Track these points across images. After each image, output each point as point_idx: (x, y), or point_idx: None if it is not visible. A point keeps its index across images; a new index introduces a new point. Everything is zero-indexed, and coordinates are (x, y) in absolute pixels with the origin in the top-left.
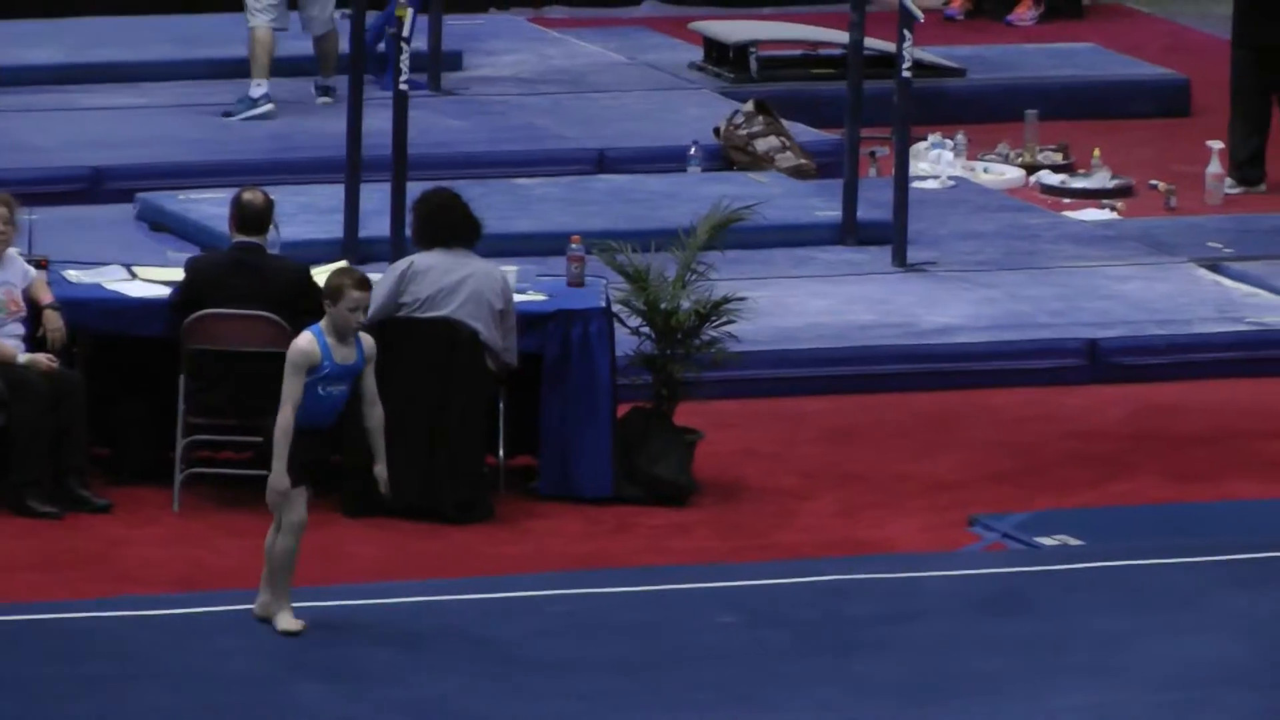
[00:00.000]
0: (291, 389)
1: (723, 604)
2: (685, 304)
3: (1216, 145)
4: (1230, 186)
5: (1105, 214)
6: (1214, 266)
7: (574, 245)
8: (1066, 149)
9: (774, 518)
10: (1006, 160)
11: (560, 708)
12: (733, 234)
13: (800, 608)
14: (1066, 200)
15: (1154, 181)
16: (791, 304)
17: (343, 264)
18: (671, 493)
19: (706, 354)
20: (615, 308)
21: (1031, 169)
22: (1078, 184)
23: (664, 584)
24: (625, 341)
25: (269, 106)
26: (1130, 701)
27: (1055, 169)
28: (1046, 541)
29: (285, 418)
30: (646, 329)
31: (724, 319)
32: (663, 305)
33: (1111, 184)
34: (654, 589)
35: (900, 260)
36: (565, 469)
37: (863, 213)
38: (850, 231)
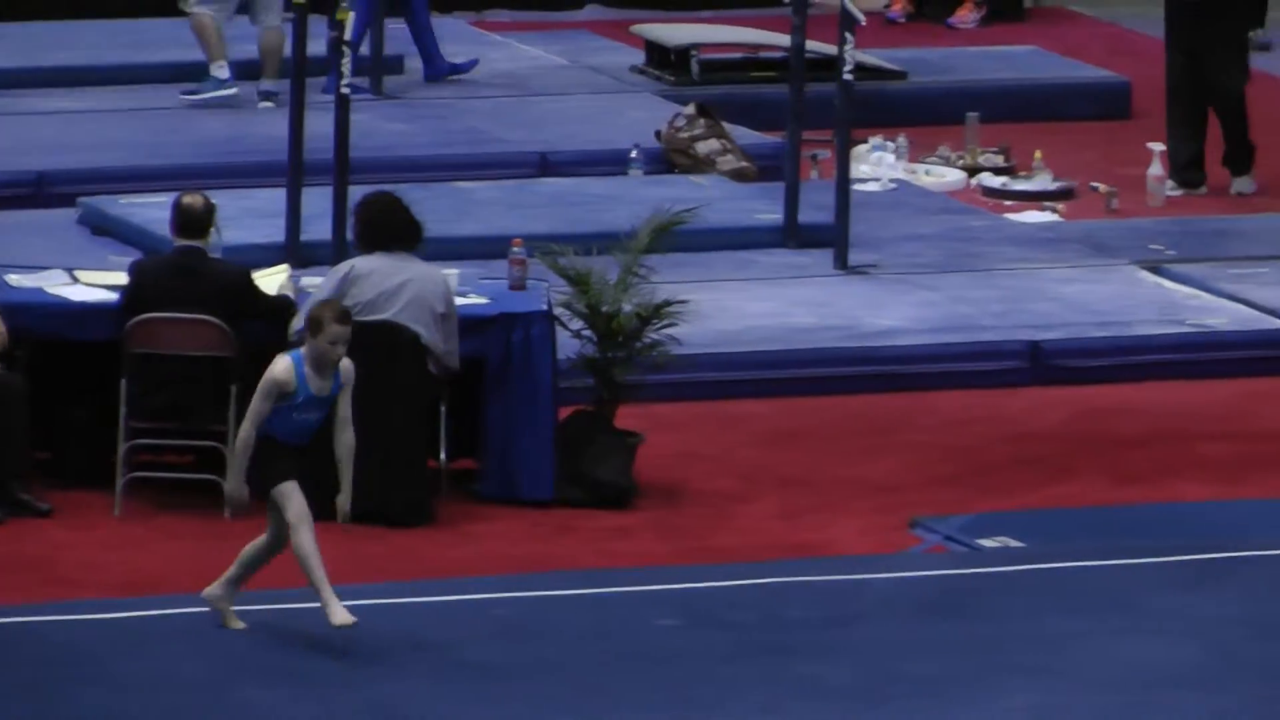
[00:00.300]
0: (257, 408)
1: (664, 606)
2: (627, 307)
3: (1158, 147)
4: (1171, 189)
5: (1047, 216)
6: (1155, 269)
7: (516, 249)
8: (1008, 151)
9: (714, 520)
10: (948, 163)
11: (503, 710)
12: (674, 237)
13: (741, 610)
14: (1008, 203)
15: (1095, 184)
16: (732, 307)
17: (283, 268)
18: (613, 495)
19: (648, 357)
20: (557, 311)
21: (973, 171)
22: (1019, 186)
23: (605, 587)
24: (567, 345)
25: (233, 90)
26: (1072, 703)
27: (996, 171)
28: (988, 544)
29: (245, 433)
30: (588, 332)
31: (665, 322)
32: (604, 308)
33: (1053, 186)
34: (595, 592)
35: (842, 263)
36: (507, 472)
37: (804, 216)
38: (792, 234)
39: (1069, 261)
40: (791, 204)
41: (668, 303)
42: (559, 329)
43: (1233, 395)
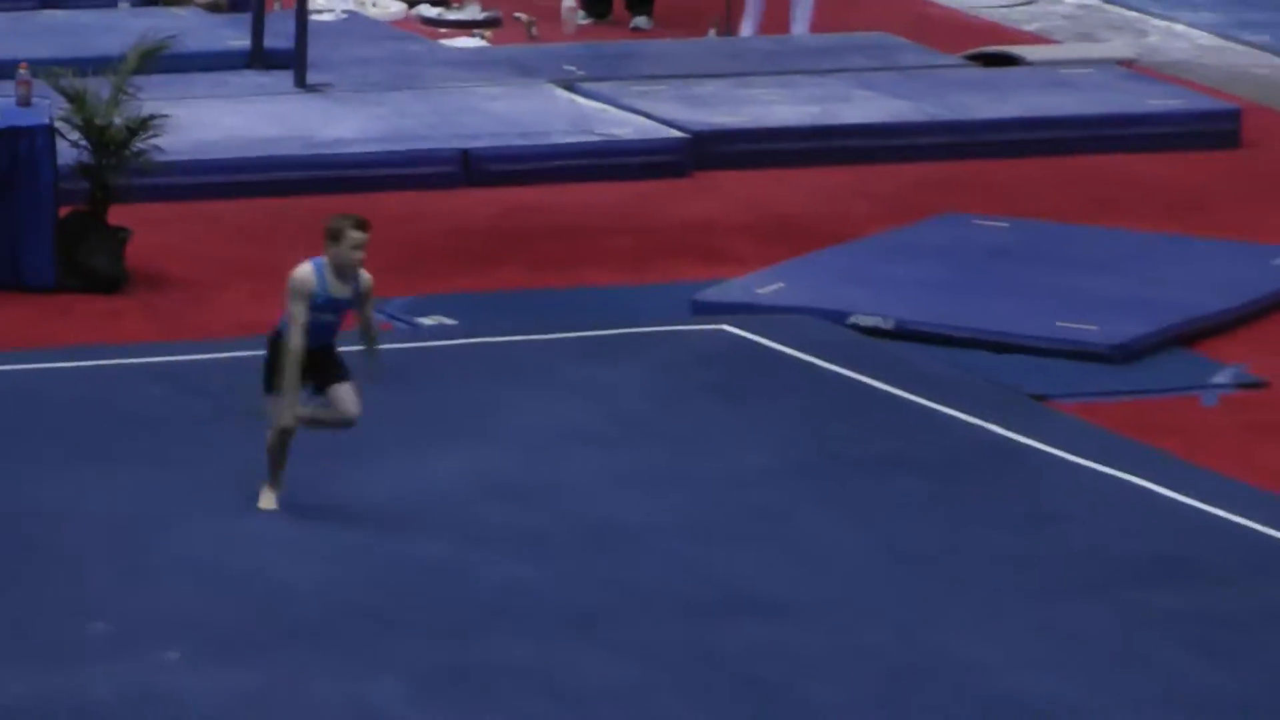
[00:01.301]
0: (298, 312)
1: (152, 377)
2: (117, 121)
3: None
4: (582, 18)
5: (476, 42)
6: (569, 86)
7: (21, 71)
8: None
9: (194, 304)
10: None
11: (6, 469)
12: (157, 61)
13: (217, 379)
14: (443, 30)
15: (518, 14)
16: (208, 120)
17: None
18: (105, 283)
19: (136, 163)
20: (58, 125)
21: (412, 4)
22: (452, 17)
23: (101, 360)
24: (66, 153)
25: None
26: (501, 457)
27: (433, 4)
28: (426, 321)
29: (296, 343)
30: (84, 143)
31: (150, 133)
32: (98, 122)
33: (481, 16)
34: (92, 364)
35: (301, 82)
36: (15, 264)
37: (268, 42)
38: (257, 58)
39: (495, 81)
40: (257, 32)
41: (152, 117)
42: (59, 140)
43: (635, 195)
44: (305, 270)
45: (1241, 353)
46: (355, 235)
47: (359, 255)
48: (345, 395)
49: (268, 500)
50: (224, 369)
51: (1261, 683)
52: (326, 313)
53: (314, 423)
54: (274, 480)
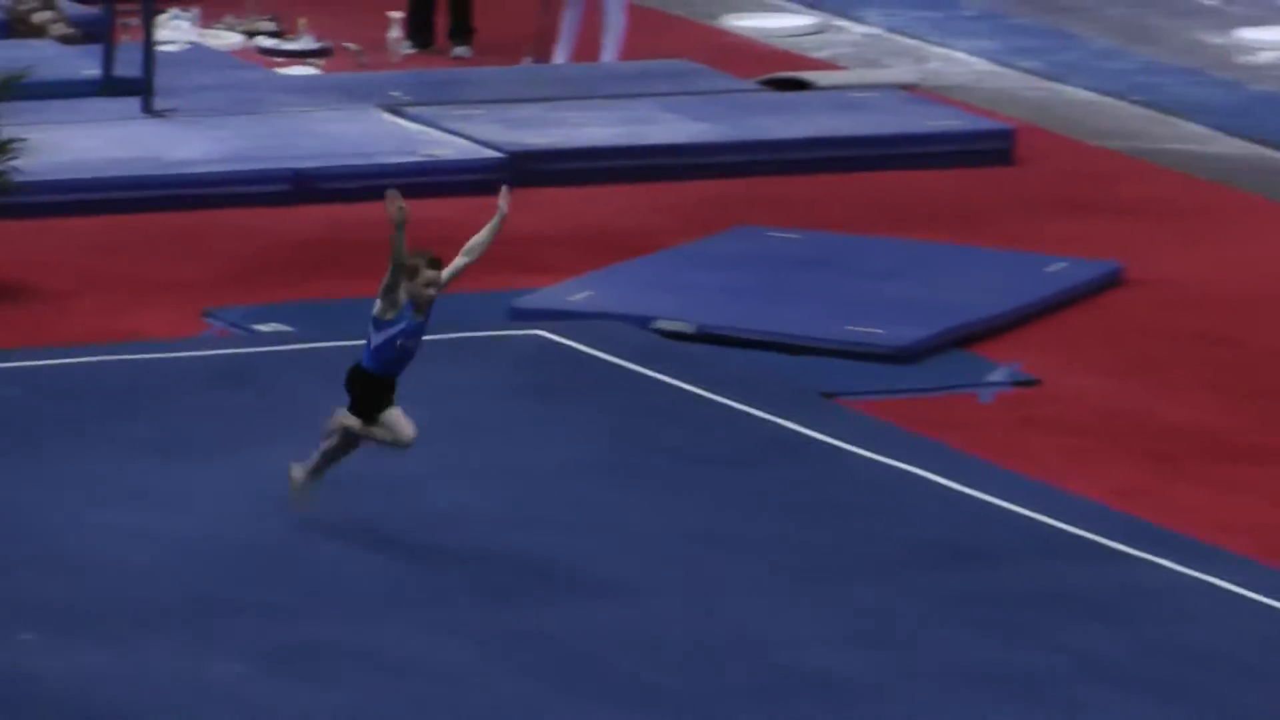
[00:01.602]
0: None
1: (9, 380)
2: None
3: (396, 14)
4: (407, 48)
5: (309, 71)
6: (395, 110)
7: None
8: (278, 19)
9: (52, 314)
10: (231, 29)
11: None
12: (15, 90)
13: (70, 383)
14: (278, 60)
15: (347, 44)
16: (63, 144)
17: None
18: None
19: None
20: None
21: (250, 35)
22: (287, 47)
23: None
24: None
25: None
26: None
27: (270, 35)
28: (263, 328)
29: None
30: None
31: (9, 156)
32: None
33: (314, 47)
34: None
35: (149, 108)
36: None
37: (118, 71)
38: (109, 86)
39: (326, 106)
40: (108, 62)
41: (10, 141)
42: None
43: (456, 211)
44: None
45: (1016, 353)
46: (429, 274)
47: (433, 292)
48: (400, 418)
49: (297, 475)
50: (77, 373)
51: (1032, 656)
52: (410, 339)
53: (368, 437)
54: (313, 473)
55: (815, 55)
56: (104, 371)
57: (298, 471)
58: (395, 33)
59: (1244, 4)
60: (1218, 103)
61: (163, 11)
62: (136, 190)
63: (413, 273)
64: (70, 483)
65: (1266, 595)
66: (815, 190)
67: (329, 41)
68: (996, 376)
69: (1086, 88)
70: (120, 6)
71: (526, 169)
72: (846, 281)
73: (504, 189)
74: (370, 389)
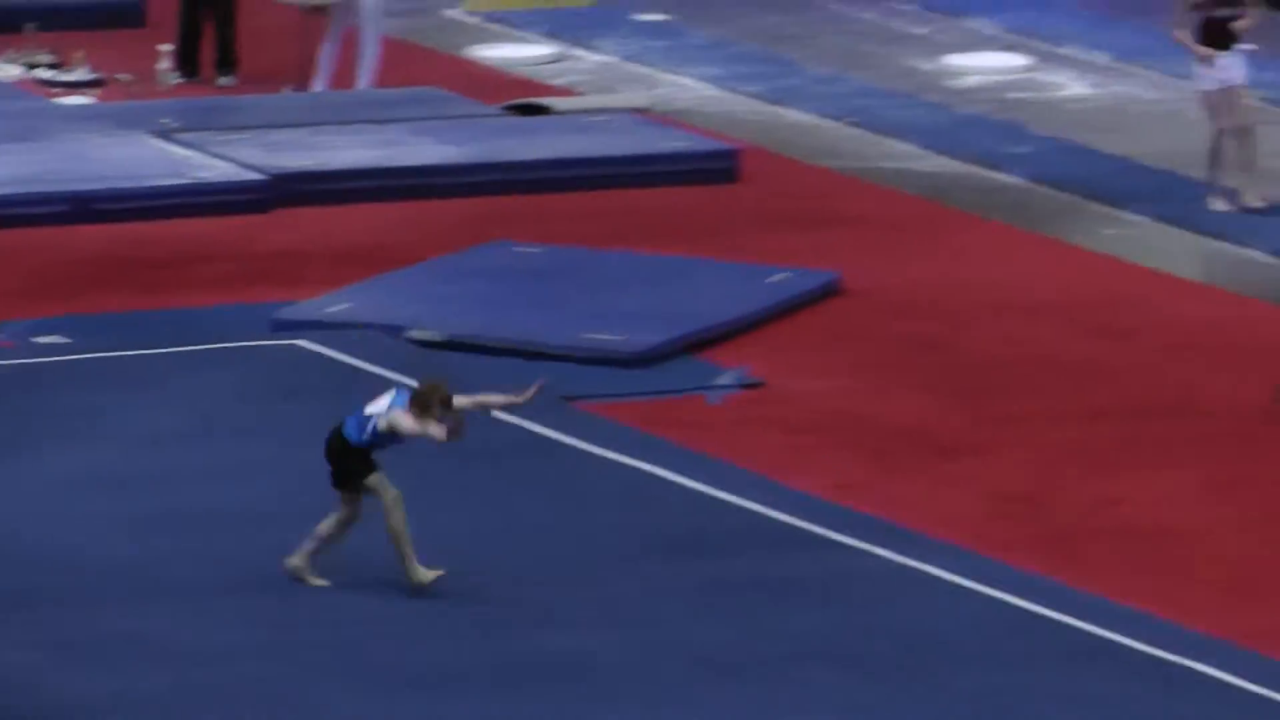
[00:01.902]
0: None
1: None
2: None
3: (166, 47)
4: (175, 78)
5: (86, 100)
6: (165, 136)
7: None
8: (57, 53)
9: None
10: (13, 62)
11: None
12: None
13: None
14: (56, 90)
15: (120, 75)
16: None
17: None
18: None
19: None
20: None
21: (31, 67)
22: (64, 78)
23: None
24: None
25: None
26: (108, 454)
27: (48, 67)
28: (43, 340)
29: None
30: None
31: None
32: None
33: (89, 78)
34: None
35: None
36: None
37: None
38: None
39: (102, 133)
40: None
41: None
42: None
43: (223, 229)
44: (410, 418)
45: (743, 357)
46: (441, 414)
47: (449, 425)
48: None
49: (423, 574)
50: None
51: (754, 638)
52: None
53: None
54: (410, 558)
55: (555, 82)
56: None
57: (296, 560)
58: (165, 64)
59: (952, 32)
60: (927, 124)
61: None
62: None
63: (424, 408)
64: None
65: (975, 581)
66: (558, 207)
67: (103, 73)
68: (725, 380)
69: (805, 111)
70: None
71: (288, 189)
72: (586, 292)
73: (537, 386)
74: (364, 458)
